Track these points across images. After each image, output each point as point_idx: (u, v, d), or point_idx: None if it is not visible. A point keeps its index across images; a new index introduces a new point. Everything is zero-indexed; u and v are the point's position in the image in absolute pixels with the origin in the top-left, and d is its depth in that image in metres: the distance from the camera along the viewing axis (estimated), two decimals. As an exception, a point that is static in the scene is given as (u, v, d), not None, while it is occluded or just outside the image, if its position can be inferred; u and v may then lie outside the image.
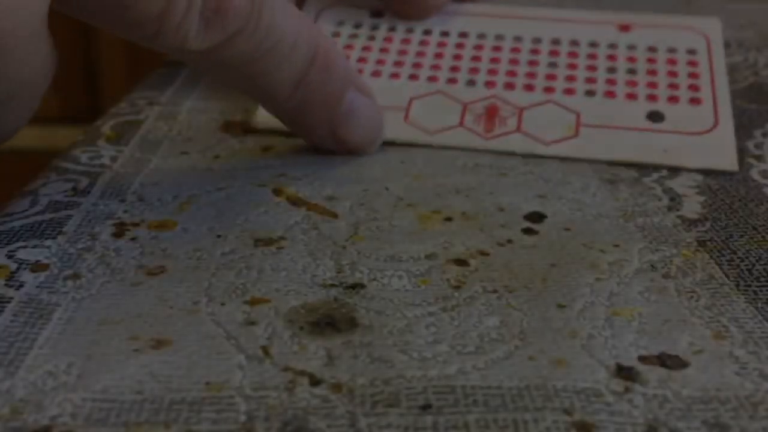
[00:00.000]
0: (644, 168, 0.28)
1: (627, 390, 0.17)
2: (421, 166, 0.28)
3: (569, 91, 0.31)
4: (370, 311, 0.19)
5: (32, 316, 0.19)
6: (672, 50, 0.32)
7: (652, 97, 0.30)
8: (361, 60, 0.32)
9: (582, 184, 0.27)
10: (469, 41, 0.33)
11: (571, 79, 0.31)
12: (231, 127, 0.31)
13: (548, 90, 0.31)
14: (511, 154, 0.28)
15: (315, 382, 0.17)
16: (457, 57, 0.32)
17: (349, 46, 0.33)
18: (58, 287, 0.20)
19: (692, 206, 0.25)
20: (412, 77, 0.31)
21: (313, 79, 0.26)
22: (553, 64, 0.32)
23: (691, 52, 0.32)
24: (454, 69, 0.32)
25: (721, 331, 0.19)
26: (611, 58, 0.32)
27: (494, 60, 0.32)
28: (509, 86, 0.31)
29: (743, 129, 0.31)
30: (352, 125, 0.27)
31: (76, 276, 0.21)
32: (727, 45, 0.41)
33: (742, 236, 0.23)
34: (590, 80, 0.31)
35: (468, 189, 0.26)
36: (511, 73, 0.31)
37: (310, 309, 0.19)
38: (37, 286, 0.20)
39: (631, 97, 0.30)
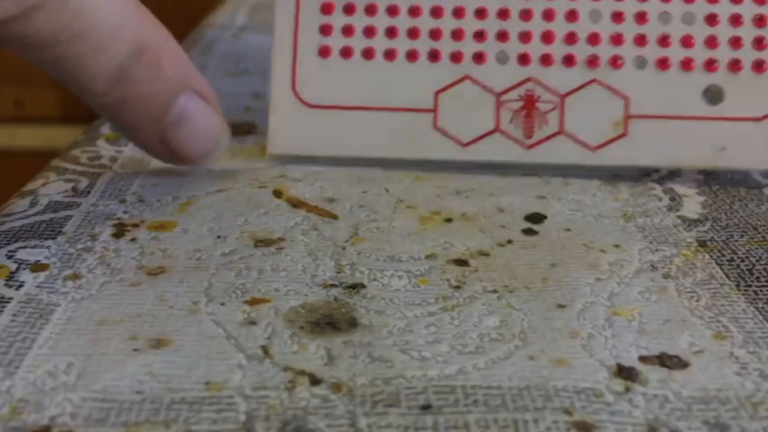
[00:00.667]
0: (644, 168, 0.28)
1: (627, 390, 0.17)
2: (420, 166, 0.28)
3: (616, 62, 0.26)
4: (370, 311, 0.19)
5: (32, 316, 0.19)
6: None
7: (710, 64, 0.25)
8: (368, 31, 0.27)
9: (582, 184, 0.27)
10: None
11: (617, 41, 0.26)
12: (231, 128, 0.31)
13: (592, 62, 0.26)
14: (558, 167, 0.25)
15: (315, 381, 0.17)
16: (480, 12, 0.27)
17: (348, 8, 0.27)
18: (57, 287, 0.20)
19: (692, 206, 0.25)
20: (433, 56, 0.26)
21: (138, 75, 0.23)
22: (595, 13, 0.26)
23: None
24: (479, 36, 0.26)
25: (721, 331, 0.19)
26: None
27: (526, 13, 0.26)
28: (546, 60, 0.26)
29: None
30: (184, 133, 0.24)
31: (75, 276, 0.21)
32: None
33: (742, 236, 0.23)
34: (640, 40, 0.26)
35: (468, 190, 0.26)
36: (547, 38, 0.26)
37: (310, 309, 0.19)
38: (37, 286, 0.20)
39: (687, 65, 0.26)
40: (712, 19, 0.25)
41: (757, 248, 0.23)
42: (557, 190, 0.26)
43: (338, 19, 0.27)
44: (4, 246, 0.22)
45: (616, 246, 0.23)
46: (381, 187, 0.26)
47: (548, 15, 0.26)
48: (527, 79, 0.26)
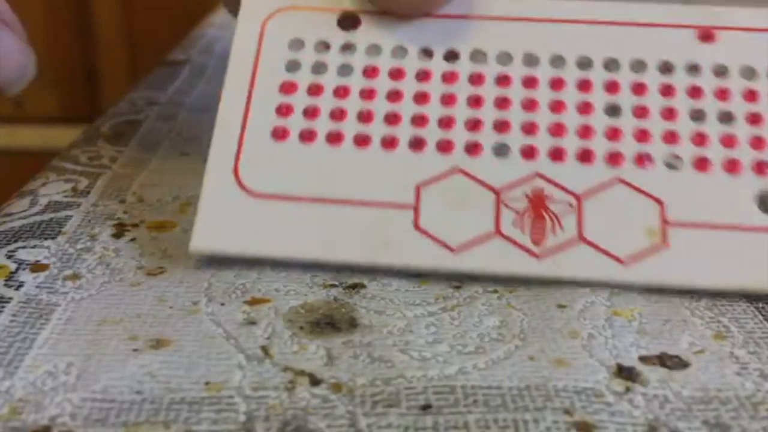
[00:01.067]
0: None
1: (627, 390, 0.17)
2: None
3: (643, 160, 0.21)
4: (370, 311, 0.19)
5: (32, 316, 0.19)
6: None
7: (760, 167, 0.21)
8: (336, 114, 0.22)
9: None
10: (488, 68, 0.23)
11: (642, 136, 0.21)
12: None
13: (613, 159, 0.21)
14: (578, 283, 0.20)
15: (315, 381, 0.17)
16: (474, 100, 0.22)
17: (314, 89, 0.22)
18: (57, 287, 0.20)
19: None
20: (416, 144, 0.22)
21: None
22: (613, 107, 0.22)
23: None
24: (473, 124, 0.22)
25: (721, 331, 0.19)
26: (695, 92, 0.22)
27: (529, 103, 0.22)
28: (556, 154, 0.21)
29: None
30: None
31: (75, 276, 0.21)
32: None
33: (742, 236, 0.23)
34: (670, 136, 0.21)
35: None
36: (557, 129, 0.22)
37: (310, 309, 0.19)
38: (37, 286, 0.20)
39: (732, 167, 0.21)
40: (755, 119, 0.21)
41: (757, 248, 0.22)
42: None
43: (300, 99, 0.22)
44: (4, 246, 0.22)
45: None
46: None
47: (557, 107, 0.22)
48: (534, 175, 0.21)
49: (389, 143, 0.22)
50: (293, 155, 0.22)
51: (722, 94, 0.22)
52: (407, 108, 0.22)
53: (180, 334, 0.18)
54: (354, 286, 0.20)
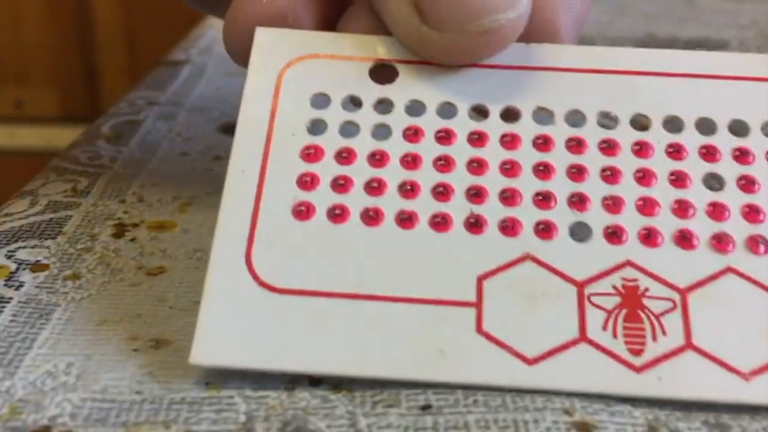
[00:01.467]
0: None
1: (627, 390, 0.17)
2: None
3: (755, 242, 0.17)
4: (370, 311, 0.19)
5: (32, 316, 0.19)
6: None
7: None
8: (373, 187, 0.18)
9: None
10: (556, 129, 0.19)
11: (752, 214, 0.18)
12: (231, 128, 0.31)
13: (719, 241, 0.17)
14: (687, 405, 0.16)
15: (315, 382, 0.17)
16: (542, 168, 0.18)
17: (344, 155, 0.19)
18: (57, 287, 0.20)
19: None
20: (474, 224, 0.18)
21: None
22: (714, 178, 0.18)
23: None
24: (543, 199, 0.18)
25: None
26: None
27: (610, 173, 0.18)
28: (649, 236, 0.18)
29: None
30: None
31: (75, 276, 0.21)
32: (728, 45, 0.41)
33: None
34: None
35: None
36: (648, 206, 0.18)
37: (310, 309, 0.19)
38: (37, 286, 0.20)
39: None
40: None
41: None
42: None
43: (328, 168, 0.18)
44: (4, 246, 0.22)
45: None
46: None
47: (645, 178, 0.18)
48: (625, 263, 0.17)
49: (440, 224, 0.18)
50: (321, 239, 0.18)
51: None
52: (460, 178, 0.18)
53: (180, 334, 0.18)
54: (354, 287, 0.20)
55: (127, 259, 0.22)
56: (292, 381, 0.17)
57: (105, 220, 0.24)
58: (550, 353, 0.16)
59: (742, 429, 0.16)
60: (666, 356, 0.16)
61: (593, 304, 0.17)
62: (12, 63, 1.08)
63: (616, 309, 0.17)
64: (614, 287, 0.17)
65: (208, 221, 0.24)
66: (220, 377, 0.17)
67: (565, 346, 0.16)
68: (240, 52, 0.21)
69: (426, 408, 0.16)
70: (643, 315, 0.17)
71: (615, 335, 0.16)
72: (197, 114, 0.32)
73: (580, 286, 0.17)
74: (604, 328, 0.16)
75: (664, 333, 0.16)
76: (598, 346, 0.16)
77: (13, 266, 0.21)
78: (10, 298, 0.20)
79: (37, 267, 0.21)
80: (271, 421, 0.16)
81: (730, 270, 0.17)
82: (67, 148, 0.29)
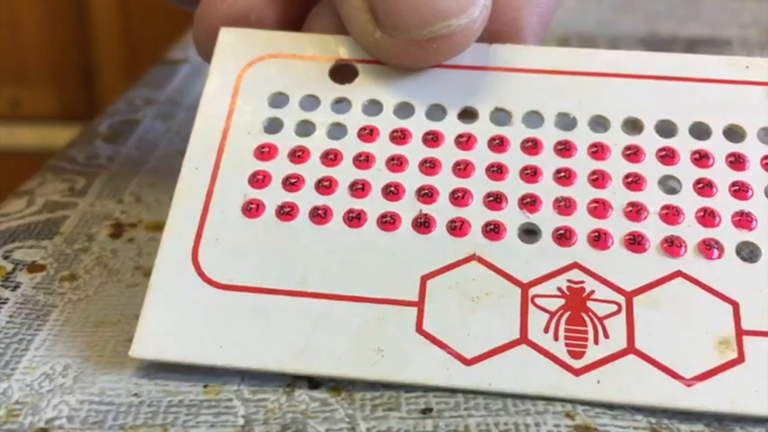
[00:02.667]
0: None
1: (629, 393, 0.16)
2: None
3: (709, 248, 0.17)
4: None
5: (28, 317, 0.19)
6: None
7: None
8: (324, 186, 0.18)
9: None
10: (513, 130, 0.19)
11: (708, 219, 0.17)
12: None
13: (671, 244, 0.17)
14: (629, 409, 0.16)
15: (314, 385, 0.17)
16: (496, 169, 0.18)
17: (298, 154, 0.19)
18: (54, 288, 0.20)
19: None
20: (422, 224, 0.18)
21: None
22: (670, 180, 0.18)
23: None
24: (494, 200, 0.18)
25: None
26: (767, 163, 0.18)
27: (565, 174, 0.18)
28: (598, 238, 0.17)
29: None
30: None
31: (72, 277, 0.20)
32: (730, 43, 0.41)
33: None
34: (744, 220, 0.17)
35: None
36: (600, 208, 0.18)
37: (309, 311, 0.19)
38: (34, 287, 0.20)
39: None
40: None
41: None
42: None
43: (280, 167, 0.19)
44: (1, 246, 0.22)
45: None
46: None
47: (599, 180, 0.18)
48: (572, 265, 0.17)
49: (389, 223, 0.18)
50: (269, 236, 0.18)
51: None
52: (412, 178, 0.18)
53: (178, 336, 0.18)
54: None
55: (125, 259, 0.21)
56: (290, 384, 0.17)
57: (102, 220, 0.23)
58: (489, 354, 0.16)
59: (746, 431, 0.15)
60: (606, 359, 0.16)
61: (537, 306, 0.17)
62: (9, 62, 1.08)
63: (560, 311, 0.17)
64: (559, 289, 0.17)
65: (207, 221, 0.23)
66: (218, 378, 0.17)
67: (504, 347, 0.16)
68: (208, 51, 0.21)
69: (426, 411, 0.16)
70: (586, 318, 0.16)
71: (556, 338, 0.16)
72: (196, 113, 0.32)
73: (525, 287, 0.17)
74: (546, 330, 0.16)
75: (606, 336, 0.16)
76: (538, 348, 0.16)
77: (10, 267, 0.21)
78: (7, 299, 0.19)
79: (33, 267, 0.21)
80: (269, 425, 0.16)
81: (679, 274, 0.17)
82: (64, 148, 0.29)
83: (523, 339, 0.16)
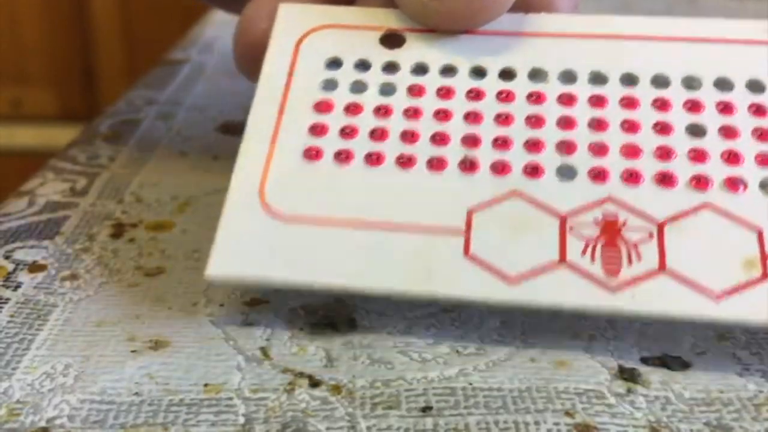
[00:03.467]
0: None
1: (629, 392, 0.17)
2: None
3: (734, 184, 0.18)
4: (370, 312, 0.19)
5: (29, 317, 0.19)
6: None
7: None
8: (377, 134, 0.20)
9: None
10: (550, 87, 0.20)
11: (732, 159, 0.19)
12: (230, 128, 0.31)
13: (698, 181, 0.18)
14: (662, 319, 0.17)
15: (314, 383, 0.17)
16: (535, 120, 0.20)
17: (352, 108, 0.20)
18: (55, 288, 0.20)
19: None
20: (467, 166, 0.19)
21: None
22: (696, 127, 0.19)
23: None
24: (533, 145, 0.19)
25: (724, 332, 0.19)
26: None
27: (598, 123, 0.19)
28: (631, 176, 0.19)
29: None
30: None
31: (73, 277, 0.21)
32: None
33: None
34: (763, 158, 0.19)
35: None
36: (631, 150, 0.19)
37: (310, 310, 0.19)
38: (35, 287, 0.20)
39: None
40: None
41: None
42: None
43: (337, 119, 0.20)
44: (1, 246, 0.22)
45: (617, 246, 0.22)
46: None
47: (630, 127, 0.19)
48: (606, 199, 0.18)
49: (437, 165, 0.19)
50: (327, 176, 0.19)
51: None
52: (457, 128, 0.20)
53: (179, 336, 0.18)
54: (354, 287, 0.20)
55: (126, 259, 0.21)
56: (291, 382, 0.17)
57: (103, 220, 0.23)
58: (532, 274, 0.17)
59: (744, 430, 0.16)
60: (640, 278, 0.17)
61: (574, 234, 0.18)
62: (10, 62, 1.08)
63: (596, 238, 0.18)
64: (595, 219, 0.18)
65: (207, 221, 0.23)
66: (219, 377, 0.17)
67: (545, 268, 0.18)
68: (248, 66, 0.22)
69: (426, 409, 0.16)
70: (620, 243, 0.18)
71: (593, 260, 0.18)
72: (196, 113, 0.32)
73: (563, 218, 0.18)
74: (583, 253, 0.18)
75: (639, 259, 0.17)
76: (576, 268, 0.17)
77: (11, 266, 0.21)
78: (8, 299, 0.19)
79: (34, 267, 0.21)
80: (270, 423, 0.16)
81: (707, 206, 0.18)
82: (65, 148, 0.29)
83: (562, 261, 0.18)
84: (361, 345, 0.18)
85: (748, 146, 0.19)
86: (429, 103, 0.20)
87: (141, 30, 1.05)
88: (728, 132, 0.19)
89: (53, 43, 1.06)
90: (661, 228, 0.18)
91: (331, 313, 0.19)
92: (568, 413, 0.16)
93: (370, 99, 0.21)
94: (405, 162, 0.19)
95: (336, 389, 0.17)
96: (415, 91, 0.21)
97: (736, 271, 0.17)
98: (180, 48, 0.43)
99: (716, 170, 0.19)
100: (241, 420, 0.16)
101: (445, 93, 0.20)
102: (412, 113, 0.20)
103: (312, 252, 0.18)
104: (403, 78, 0.21)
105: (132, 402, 0.16)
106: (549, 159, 0.19)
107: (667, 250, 0.18)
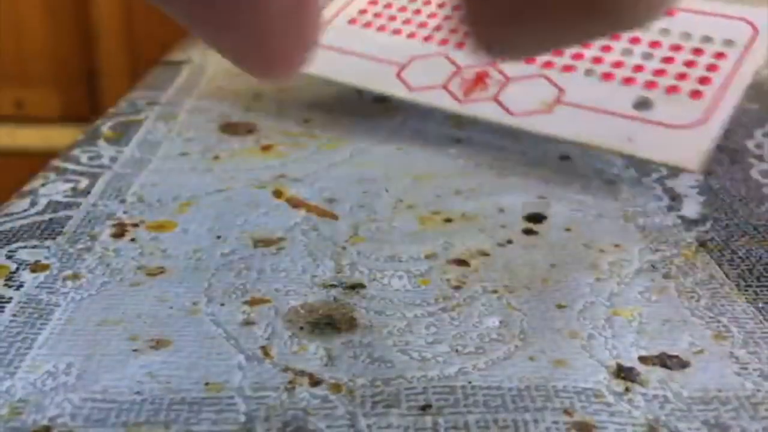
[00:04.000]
0: (644, 167, 0.28)
1: (627, 390, 0.17)
2: (420, 167, 0.28)
3: (568, 68, 0.29)
4: (370, 311, 0.19)
5: (32, 316, 0.19)
6: (706, 39, 0.29)
7: (650, 84, 0.28)
8: (386, 15, 0.33)
9: (582, 184, 0.27)
10: None
11: (577, 57, 0.30)
12: (231, 128, 0.31)
13: (548, 64, 0.30)
14: (481, 122, 0.28)
15: (315, 382, 0.17)
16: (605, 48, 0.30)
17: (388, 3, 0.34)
18: (57, 287, 0.20)
19: (692, 206, 0.25)
20: (427, 38, 0.32)
21: None
22: (627, 51, 0.29)
23: (728, 43, 0.29)
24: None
25: (721, 331, 0.19)
26: (634, 40, 0.30)
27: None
28: (564, 68, 0.29)
29: (743, 129, 0.31)
30: None
31: (75, 276, 0.21)
32: (727, 45, 0.41)
33: (742, 236, 0.23)
34: (597, 60, 0.29)
35: (468, 190, 0.26)
36: (579, 54, 0.30)
37: (310, 309, 0.19)
38: (37, 287, 0.20)
39: (629, 81, 0.29)
40: (669, 60, 0.29)
41: (757, 248, 0.23)
42: (557, 190, 0.26)
43: (374, 8, 0.34)
44: (4, 246, 0.22)
45: (616, 246, 0.23)
46: (381, 187, 0.26)
47: (605, 47, 0.30)
48: (490, 64, 0.30)
49: (410, 35, 0.33)
50: (355, 33, 0.34)
51: (655, 45, 0.30)
52: (421, 18, 0.34)
53: (180, 335, 0.18)
54: (354, 287, 0.20)
55: (127, 259, 0.22)
56: (291, 381, 0.17)
57: (105, 220, 0.24)
58: (424, 88, 0.30)
59: (742, 429, 0.16)
60: (480, 99, 0.30)
61: (459, 76, 0.30)
62: (13, 64, 1.08)
63: (469, 80, 0.30)
64: (475, 73, 0.30)
65: (208, 221, 0.24)
66: (220, 376, 0.17)
67: (432, 87, 0.30)
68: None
69: (426, 408, 0.16)
70: (480, 85, 0.30)
71: (460, 89, 0.30)
72: (197, 114, 0.32)
73: (459, 68, 0.31)
74: (458, 85, 0.30)
75: (486, 92, 0.30)
76: (449, 91, 0.30)
77: (13, 266, 0.21)
78: (11, 298, 0.20)
79: (37, 267, 0.21)
80: (271, 422, 0.16)
81: (543, 76, 0.29)
82: (67, 148, 0.29)
83: (444, 87, 0.30)
84: (361, 344, 0.18)
85: (592, 52, 0.30)
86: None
87: (142, 31, 1.05)
88: (644, 55, 0.29)
89: (56, 45, 1.06)
90: (508, 80, 0.29)
91: (332, 313, 0.19)
92: (566, 412, 0.16)
93: None
94: (396, 32, 0.33)
95: (336, 388, 0.17)
96: None
97: (534, 105, 0.28)
98: (181, 49, 0.43)
99: (563, 60, 0.30)
100: (242, 418, 0.16)
101: None
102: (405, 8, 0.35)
103: (338, 64, 0.32)
104: None
105: (134, 401, 0.16)
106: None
107: (504, 90, 0.29)
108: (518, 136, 0.31)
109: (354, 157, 0.28)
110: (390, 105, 0.34)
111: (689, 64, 0.29)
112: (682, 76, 0.28)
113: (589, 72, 0.29)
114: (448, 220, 0.24)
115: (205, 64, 0.40)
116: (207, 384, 0.17)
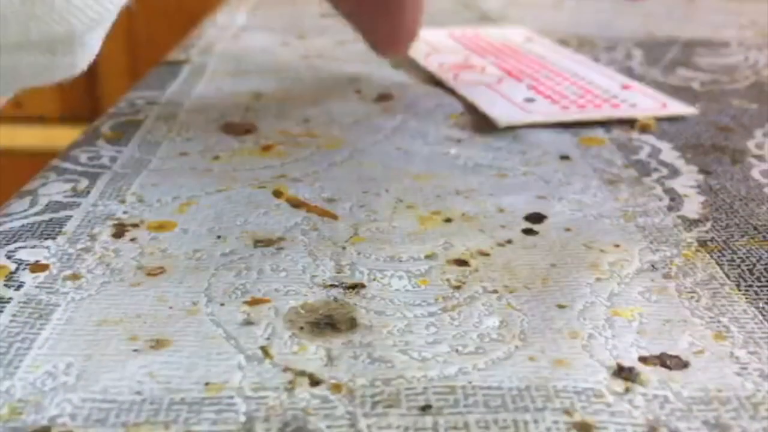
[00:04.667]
0: (644, 168, 0.28)
1: (627, 390, 0.17)
2: (420, 167, 0.28)
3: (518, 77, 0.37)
4: (370, 311, 0.19)
5: (31, 316, 0.19)
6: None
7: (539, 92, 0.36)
8: None
9: (582, 184, 0.27)
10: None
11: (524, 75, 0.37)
12: (231, 128, 0.31)
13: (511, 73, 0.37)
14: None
15: (315, 382, 0.17)
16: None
17: None
18: (57, 287, 0.20)
19: (693, 206, 0.25)
20: None
21: None
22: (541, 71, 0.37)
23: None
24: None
25: (721, 331, 0.19)
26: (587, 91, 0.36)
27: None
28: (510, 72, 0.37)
29: (743, 129, 0.31)
30: None
31: (75, 276, 0.21)
32: (727, 44, 0.41)
33: (742, 236, 0.23)
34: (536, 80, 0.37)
35: (468, 190, 0.26)
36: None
37: (310, 309, 0.19)
38: (37, 287, 0.20)
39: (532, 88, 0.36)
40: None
41: (757, 248, 0.23)
42: (557, 190, 0.26)
43: None
44: (4, 246, 0.22)
45: (617, 246, 0.23)
46: (381, 187, 0.26)
47: (555, 73, 0.38)
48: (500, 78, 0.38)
49: None
50: None
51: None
52: None
53: (180, 335, 0.18)
54: (354, 287, 0.20)
55: (127, 259, 0.22)
56: (291, 381, 0.17)
57: (105, 220, 0.24)
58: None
59: (742, 429, 0.16)
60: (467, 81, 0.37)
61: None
62: (12, 63, 1.08)
63: (461, 63, 0.41)
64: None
65: (208, 221, 0.24)
66: (220, 376, 0.17)
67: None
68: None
69: (426, 408, 0.16)
70: (469, 69, 0.39)
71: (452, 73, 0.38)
72: (197, 114, 0.32)
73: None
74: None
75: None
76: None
77: (13, 266, 0.21)
78: (10, 299, 0.20)
79: (36, 267, 0.21)
80: (271, 422, 0.16)
81: (486, 86, 0.36)
82: (67, 148, 0.29)
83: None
84: (361, 344, 0.18)
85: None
86: None
87: (142, 31, 1.05)
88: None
89: (55, 44, 1.06)
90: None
91: (332, 313, 0.19)
92: (567, 412, 0.16)
93: None
94: None
95: (336, 388, 0.17)
96: None
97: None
98: (181, 49, 0.43)
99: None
100: (242, 419, 0.16)
101: None
102: None
103: None
104: None
105: (133, 401, 0.16)
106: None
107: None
108: (518, 136, 0.31)
109: (354, 157, 0.28)
110: (390, 105, 0.34)
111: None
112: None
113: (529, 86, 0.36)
114: (448, 220, 0.24)
115: (205, 64, 0.40)
116: (207, 384, 0.17)
